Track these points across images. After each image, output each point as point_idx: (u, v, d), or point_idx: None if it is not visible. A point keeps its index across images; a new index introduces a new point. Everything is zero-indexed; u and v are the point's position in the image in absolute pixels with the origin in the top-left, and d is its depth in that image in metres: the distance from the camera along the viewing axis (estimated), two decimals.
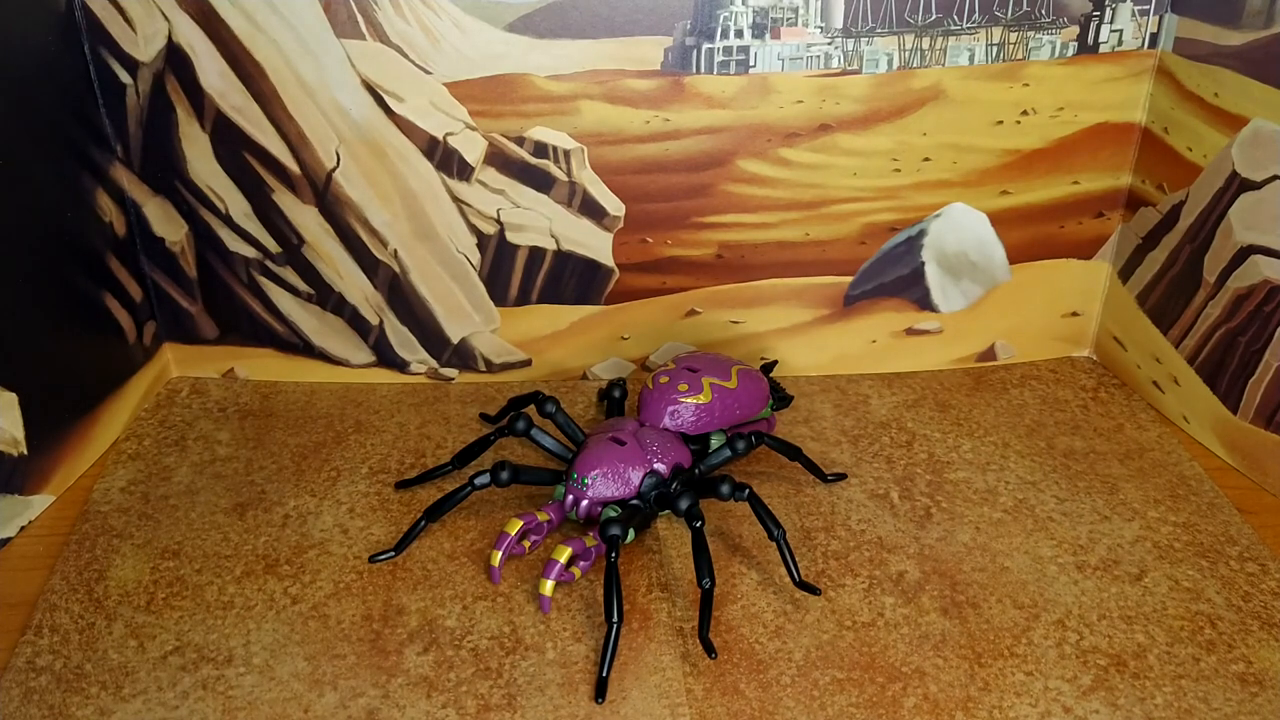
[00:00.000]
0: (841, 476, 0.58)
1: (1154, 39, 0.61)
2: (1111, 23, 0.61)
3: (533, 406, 0.59)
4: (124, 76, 0.59)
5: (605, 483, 0.52)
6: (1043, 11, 0.60)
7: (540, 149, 0.62)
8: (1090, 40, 0.61)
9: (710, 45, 0.60)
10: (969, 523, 0.55)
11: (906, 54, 0.61)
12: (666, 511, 0.53)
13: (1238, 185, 0.57)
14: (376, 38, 0.59)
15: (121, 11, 0.58)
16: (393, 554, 0.52)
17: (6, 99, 0.53)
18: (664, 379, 0.56)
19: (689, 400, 0.55)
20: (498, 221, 0.64)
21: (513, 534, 0.50)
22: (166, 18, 0.58)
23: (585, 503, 0.52)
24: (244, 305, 0.66)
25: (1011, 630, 0.48)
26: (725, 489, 0.50)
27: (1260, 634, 0.47)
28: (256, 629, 0.48)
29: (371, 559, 0.52)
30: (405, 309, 0.66)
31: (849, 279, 0.67)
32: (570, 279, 0.66)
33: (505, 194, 0.63)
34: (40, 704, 0.44)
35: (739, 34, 0.60)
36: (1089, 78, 0.62)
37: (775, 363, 0.66)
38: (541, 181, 0.63)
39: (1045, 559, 0.52)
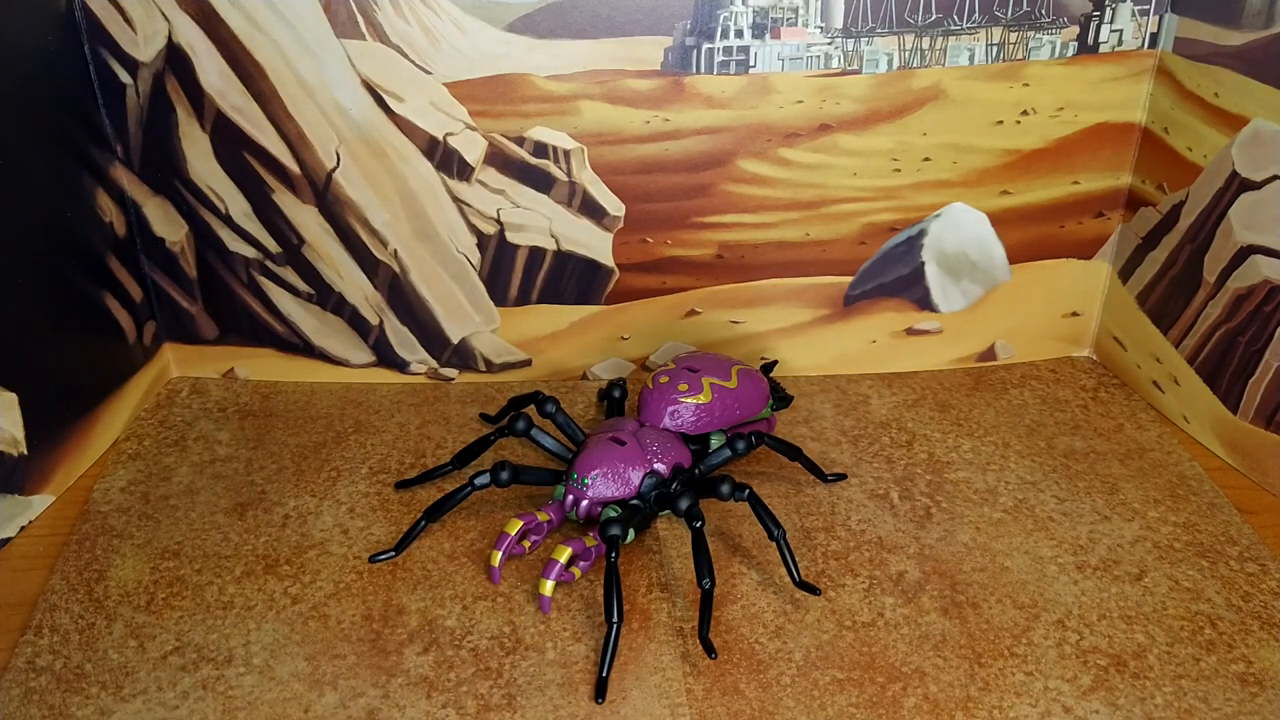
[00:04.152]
0: (841, 476, 0.58)
1: (1154, 39, 0.61)
2: (1111, 23, 0.61)
3: (533, 406, 0.59)
4: (124, 76, 0.59)
5: (605, 483, 0.52)
6: (1043, 11, 0.60)
7: (540, 149, 0.62)
8: (1090, 40, 0.61)
9: (710, 45, 0.60)
10: (969, 523, 0.55)
11: (906, 54, 0.61)
12: (666, 511, 0.53)
13: (1238, 185, 0.57)
14: (376, 38, 0.59)
15: (121, 11, 0.58)
16: (393, 554, 0.52)
17: (6, 99, 0.53)
18: (664, 379, 0.56)
19: (689, 400, 0.55)
20: (498, 221, 0.64)
21: (513, 534, 0.50)
22: (166, 18, 0.58)
23: (585, 503, 0.52)
24: (244, 305, 0.66)
25: (1011, 630, 0.48)
26: (725, 489, 0.50)
27: (1260, 634, 0.47)
28: (256, 629, 0.48)
29: (371, 559, 0.52)
30: (405, 309, 0.66)
31: (849, 279, 0.67)
32: (570, 279, 0.66)
33: (505, 194, 0.63)
34: (40, 704, 0.44)
35: (739, 34, 0.60)
36: (1089, 78, 0.62)
37: (775, 363, 0.66)
38: (541, 181, 0.63)
39: (1045, 559, 0.52)
